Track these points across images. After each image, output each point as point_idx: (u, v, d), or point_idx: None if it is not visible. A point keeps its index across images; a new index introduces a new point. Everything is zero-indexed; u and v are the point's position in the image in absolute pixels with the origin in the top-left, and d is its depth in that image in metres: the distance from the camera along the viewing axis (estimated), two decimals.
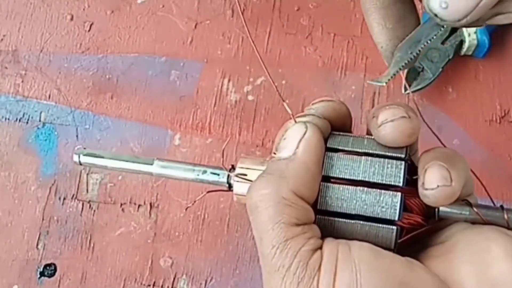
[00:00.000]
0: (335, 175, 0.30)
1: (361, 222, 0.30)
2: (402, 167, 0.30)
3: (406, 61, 0.29)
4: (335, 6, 0.66)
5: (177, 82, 0.65)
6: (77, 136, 0.64)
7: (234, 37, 0.66)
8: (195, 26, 0.67)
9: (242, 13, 0.66)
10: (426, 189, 0.28)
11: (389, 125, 0.30)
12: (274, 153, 0.31)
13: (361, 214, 0.30)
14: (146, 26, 0.67)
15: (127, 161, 0.35)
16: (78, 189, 0.62)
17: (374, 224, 0.29)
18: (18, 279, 0.60)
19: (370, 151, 0.31)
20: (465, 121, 0.62)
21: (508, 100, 0.62)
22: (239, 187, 0.33)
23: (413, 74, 0.59)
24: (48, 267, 0.60)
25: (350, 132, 0.34)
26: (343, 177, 0.30)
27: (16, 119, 0.65)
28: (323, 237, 0.29)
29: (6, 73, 0.66)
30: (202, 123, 0.63)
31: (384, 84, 0.30)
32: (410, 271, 0.28)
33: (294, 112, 0.32)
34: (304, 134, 0.30)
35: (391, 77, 0.30)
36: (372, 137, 0.31)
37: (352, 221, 0.30)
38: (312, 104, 0.33)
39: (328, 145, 0.31)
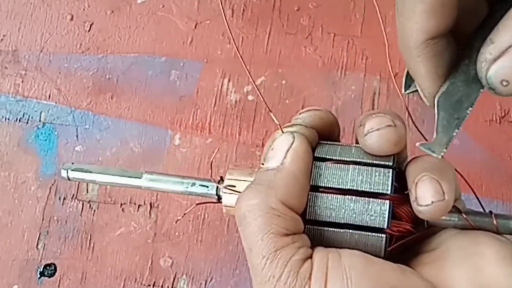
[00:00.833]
0: (323, 185, 0.30)
1: (350, 231, 0.30)
2: (390, 175, 0.30)
3: (456, 129, 0.28)
4: (335, 6, 0.66)
5: (177, 82, 0.65)
6: (77, 136, 0.64)
7: (234, 37, 0.66)
8: (195, 26, 0.67)
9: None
10: (421, 205, 0.28)
11: (374, 134, 0.29)
12: (262, 164, 0.31)
13: (350, 223, 0.30)
14: (146, 26, 0.67)
15: (115, 175, 0.35)
16: (78, 189, 0.62)
17: (363, 232, 0.29)
18: (18, 279, 0.60)
19: (358, 160, 0.31)
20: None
21: (508, 100, 0.62)
22: (228, 199, 0.33)
23: None
24: (48, 267, 0.60)
25: (338, 140, 0.34)
26: (332, 186, 0.30)
27: (16, 119, 0.65)
28: (312, 246, 0.29)
29: (6, 73, 0.66)
30: (202, 123, 0.63)
31: (440, 157, 0.28)
32: (402, 276, 0.27)
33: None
34: (292, 144, 0.30)
35: (446, 148, 0.28)
36: (360, 146, 0.31)
37: (342, 230, 0.30)
38: (299, 113, 0.33)
39: (316, 155, 0.31)
